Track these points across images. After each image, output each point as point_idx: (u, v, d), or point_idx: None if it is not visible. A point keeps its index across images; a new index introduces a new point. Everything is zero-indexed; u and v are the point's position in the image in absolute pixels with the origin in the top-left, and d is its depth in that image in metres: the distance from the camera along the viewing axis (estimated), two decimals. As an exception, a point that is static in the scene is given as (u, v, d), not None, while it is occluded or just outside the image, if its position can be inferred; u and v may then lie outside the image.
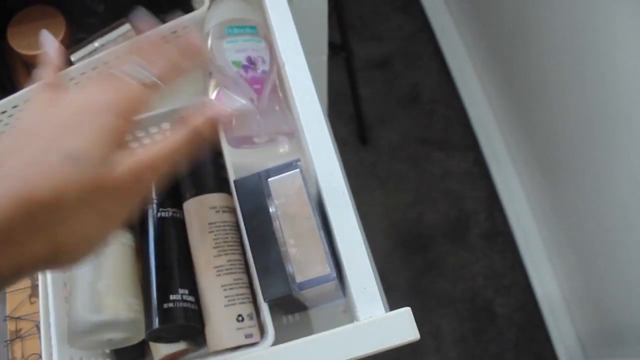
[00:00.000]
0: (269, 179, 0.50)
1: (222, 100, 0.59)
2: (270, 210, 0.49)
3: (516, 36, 1.28)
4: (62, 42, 0.62)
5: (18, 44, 0.62)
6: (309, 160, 0.50)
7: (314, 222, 0.49)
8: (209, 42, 0.58)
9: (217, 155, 0.54)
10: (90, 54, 0.59)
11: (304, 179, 0.50)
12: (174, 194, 0.55)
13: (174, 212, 0.54)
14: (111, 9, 0.62)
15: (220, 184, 0.53)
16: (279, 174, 0.51)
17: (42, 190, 0.32)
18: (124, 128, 0.36)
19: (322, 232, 0.47)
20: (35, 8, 0.64)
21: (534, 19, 1.17)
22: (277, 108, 0.57)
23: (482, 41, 1.48)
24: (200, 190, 0.53)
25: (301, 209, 0.49)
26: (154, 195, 0.54)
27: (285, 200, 0.50)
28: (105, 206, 0.35)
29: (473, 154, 1.52)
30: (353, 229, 0.48)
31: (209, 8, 0.60)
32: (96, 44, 0.59)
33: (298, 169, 0.51)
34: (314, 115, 0.51)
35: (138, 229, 0.55)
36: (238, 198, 0.50)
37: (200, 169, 0.53)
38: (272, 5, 0.55)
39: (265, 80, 0.57)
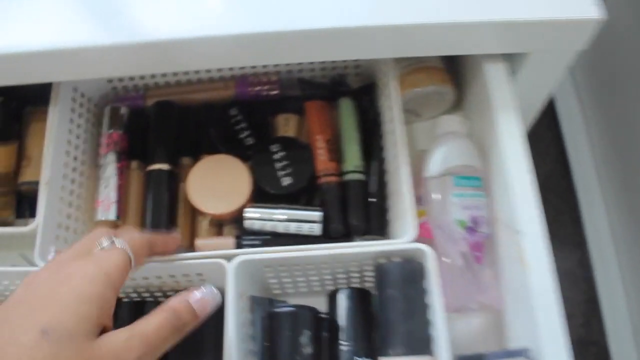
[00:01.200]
0: (493, 363, 0.47)
1: (428, 230, 0.55)
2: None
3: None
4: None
5: (193, 190, 0.59)
6: (536, 345, 0.46)
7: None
8: (433, 187, 0.54)
9: (425, 311, 0.50)
10: (263, 220, 0.57)
11: (530, 370, 0.46)
12: (369, 345, 0.51)
13: (371, 365, 0.50)
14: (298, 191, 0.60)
15: (428, 345, 0.50)
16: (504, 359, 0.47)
17: None
18: (111, 300, 0.36)
19: None
20: (222, 157, 0.60)
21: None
22: (489, 276, 0.53)
23: (607, 138, 1.41)
24: (409, 350, 0.49)
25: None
26: (344, 342, 0.51)
27: (506, 389, 0.46)
28: None
29: (579, 253, 1.45)
30: None
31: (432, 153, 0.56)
32: (278, 213, 0.57)
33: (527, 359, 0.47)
34: (550, 302, 0.47)
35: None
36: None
37: (410, 326, 0.49)
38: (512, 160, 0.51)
39: (484, 245, 0.53)
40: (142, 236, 0.45)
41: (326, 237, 0.57)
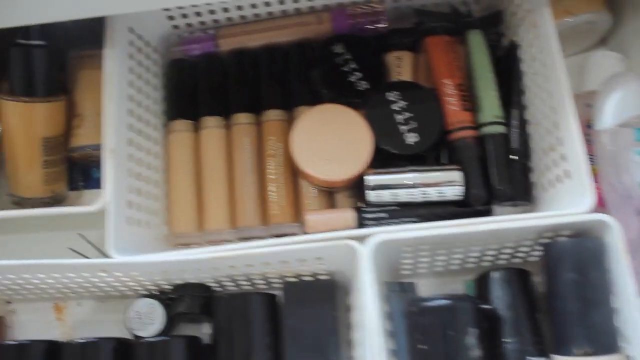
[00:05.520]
0: None
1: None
2: None
3: None
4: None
5: (299, 149, 0.47)
6: None
7: None
8: (607, 142, 0.44)
9: (609, 298, 0.40)
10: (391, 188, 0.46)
11: None
12: (538, 339, 0.42)
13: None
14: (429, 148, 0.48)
15: (617, 340, 0.40)
16: None
17: None
18: None
19: None
20: (334, 108, 0.48)
21: None
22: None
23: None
24: (597, 348, 0.39)
25: None
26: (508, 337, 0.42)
27: None
28: None
29: None
30: None
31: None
32: (408, 179, 0.46)
33: None
34: None
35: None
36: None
37: (595, 317, 0.40)
38: None
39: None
40: None
41: (463, 205, 0.47)
